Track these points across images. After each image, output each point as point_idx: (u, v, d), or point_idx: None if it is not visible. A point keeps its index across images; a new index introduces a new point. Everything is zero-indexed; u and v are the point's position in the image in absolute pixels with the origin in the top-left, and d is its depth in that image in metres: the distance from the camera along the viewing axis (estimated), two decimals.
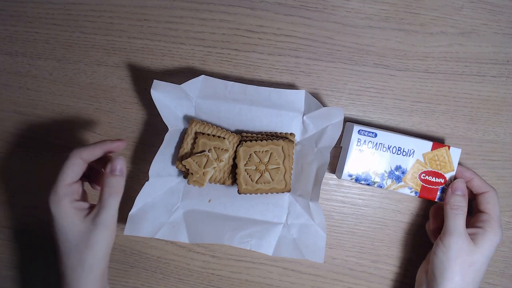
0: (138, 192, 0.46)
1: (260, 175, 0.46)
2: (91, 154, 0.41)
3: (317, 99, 0.48)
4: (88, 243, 0.40)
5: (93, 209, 0.41)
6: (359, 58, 0.50)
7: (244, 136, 0.47)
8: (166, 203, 0.48)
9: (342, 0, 0.49)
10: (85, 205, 0.41)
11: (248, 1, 0.50)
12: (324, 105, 0.49)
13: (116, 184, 0.41)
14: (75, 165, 0.41)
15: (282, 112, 0.48)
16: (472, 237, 0.43)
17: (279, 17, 0.50)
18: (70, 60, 0.52)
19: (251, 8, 0.50)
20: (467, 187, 0.45)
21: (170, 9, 0.50)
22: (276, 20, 0.50)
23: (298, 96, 0.46)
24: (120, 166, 0.42)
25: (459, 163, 0.47)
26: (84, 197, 0.45)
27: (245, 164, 0.46)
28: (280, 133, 0.48)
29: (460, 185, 0.45)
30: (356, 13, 0.49)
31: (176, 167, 0.47)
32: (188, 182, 0.46)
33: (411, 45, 0.49)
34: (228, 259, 0.52)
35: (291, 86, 0.50)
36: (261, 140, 0.46)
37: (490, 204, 0.44)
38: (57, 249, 0.41)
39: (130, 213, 0.46)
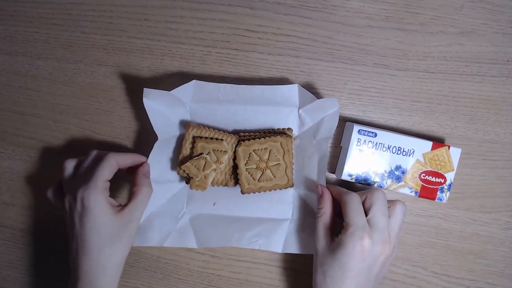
0: None
1: (261, 173, 0.47)
2: (123, 161, 0.45)
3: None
4: (121, 238, 0.42)
5: (126, 206, 0.43)
6: (359, 58, 0.50)
7: (242, 136, 0.47)
8: (171, 210, 0.48)
9: (342, 0, 0.49)
10: (117, 202, 0.43)
11: (247, 0, 0.50)
12: None
13: (149, 184, 0.45)
14: (111, 166, 0.43)
15: (277, 108, 0.48)
16: (334, 239, 0.42)
17: (279, 16, 0.50)
18: (70, 60, 0.52)
19: (251, 8, 0.50)
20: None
21: (170, 9, 0.50)
22: (275, 19, 0.50)
23: (292, 91, 0.46)
24: (148, 170, 0.46)
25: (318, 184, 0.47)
26: None
27: (245, 164, 0.46)
28: (277, 129, 0.48)
29: (317, 189, 0.46)
30: (356, 12, 0.49)
31: (178, 173, 0.47)
32: (191, 187, 0.46)
33: (411, 44, 0.49)
34: (228, 259, 0.52)
35: None
36: (259, 138, 0.46)
37: (344, 212, 0.42)
38: (83, 245, 0.41)
39: None
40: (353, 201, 0.42)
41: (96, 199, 0.40)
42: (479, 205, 0.50)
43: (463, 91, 0.50)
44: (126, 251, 0.43)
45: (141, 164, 0.46)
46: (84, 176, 0.42)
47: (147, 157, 0.46)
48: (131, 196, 0.44)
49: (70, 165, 0.44)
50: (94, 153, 0.45)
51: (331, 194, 0.45)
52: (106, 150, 0.51)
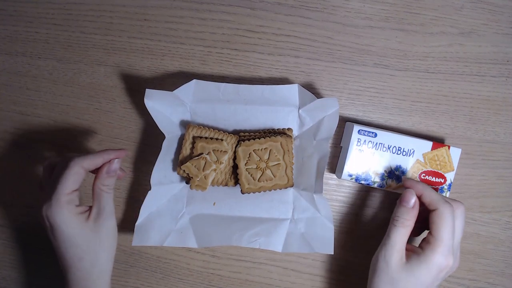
0: (141, 198, 0.46)
1: (261, 173, 0.47)
2: (92, 163, 0.41)
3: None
4: (98, 242, 0.41)
5: (91, 210, 0.41)
6: (359, 58, 0.50)
7: (242, 136, 0.47)
8: (171, 210, 0.48)
9: (342, 0, 0.49)
10: (84, 208, 0.42)
11: (248, 1, 0.50)
12: None
13: (111, 183, 0.43)
14: (77, 174, 0.40)
15: (277, 108, 0.48)
16: (410, 254, 0.41)
17: (279, 17, 0.50)
18: (70, 60, 0.52)
19: (251, 8, 0.50)
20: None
21: (170, 9, 0.50)
22: (276, 20, 0.50)
23: (292, 91, 0.46)
24: (115, 168, 0.43)
25: (412, 179, 0.44)
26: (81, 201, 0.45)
27: (245, 164, 0.46)
28: (277, 129, 0.48)
29: (408, 197, 0.41)
30: (356, 13, 0.49)
31: (177, 173, 0.47)
32: (191, 187, 0.46)
33: (411, 45, 0.49)
34: (228, 259, 0.52)
35: None
36: (259, 138, 0.46)
37: (434, 225, 0.40)
38: (63, 258, 0.40)
39: (136, 224, 0.46)
40: (450, 216, 0.39)
41: (61, 216, 0.39)
42: (479, 205, 0.50)
43: (463, 91, 0.50)
44: (111, 253, 0.42)
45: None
46: (49, 188, 0.40)
47: (156, 157, 0.46)
48: (93, 198, 0.42)
49: (46, 170, 0.43)
50: (59, 159, 0.42)
51: (416, 193, 0.42)
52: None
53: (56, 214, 0.39)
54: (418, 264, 0.39)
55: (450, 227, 0.39)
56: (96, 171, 0.43)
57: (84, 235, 0.40)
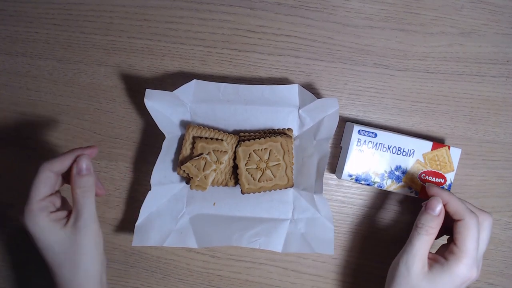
0: (141, 198, 0.46)
1: (261, 173, 0.47)
2: (61, 165, 0.40)
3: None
4: (77, 249, 0.39)
5: (70, 215, 0.40)
6: (359, 58, 0.50)
7: (242, 136, 0.47)
8: (171, 210, 0.48)
9: (342, 0, 0.49)
10: (63, 213, 0.40)
11: (248, 1, 0.50)
12: None
13: (86, 183, 0.40)
14: (47, 179, 0.39)
15: (277, 108, 0.48)
16: (432, 263, 0.40)
17: (279, 17, 0.50)
18: (70, 60, 0.52)
19: (251, 8, 0.50)
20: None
21: (170, 9, 0.50)
22: (276, 20, 0.50)
23: (292, 91, 0.46)
24: (86, 165, 0.40)
25: (437, 186, 0.43)
26: (63, 204, 0.43)
27: (245, 164, 0.46)
28: (277, 129, 0.48)
29: (434, 204, 0.41)
30: (356, 13, 0.49)
31: (177, 173, 0.47)
32: (191, 187, 0.46)
33: (411, 45, 0.49)
34: (228, 259, 0.52)
35: None
36: (259, 138, 0.46)
37: (460, 235, 0.39)
38: (47, 263, 0.40)
39: (136, 224, 0.46)
40: (476, 227, 0.39)
41: (35, 224, 0.38)
42: (479, 205, 0.50)
43: (463, 91, 0.50)
44: (95, 257, 0.41)
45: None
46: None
47: (157, 158, 0.46)
48: (73, 202, 0.40)
49: None
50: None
51: (442, 200, 0.41)
52: (106, 151, 0.51)
53: (29, 222, 0.38)
54: (440, 274, 0.39)
55: (475, 239, 0.39)
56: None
57: (61, 242, 0.39)
